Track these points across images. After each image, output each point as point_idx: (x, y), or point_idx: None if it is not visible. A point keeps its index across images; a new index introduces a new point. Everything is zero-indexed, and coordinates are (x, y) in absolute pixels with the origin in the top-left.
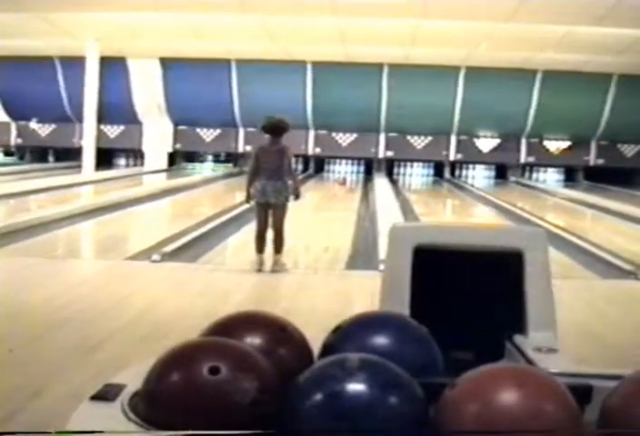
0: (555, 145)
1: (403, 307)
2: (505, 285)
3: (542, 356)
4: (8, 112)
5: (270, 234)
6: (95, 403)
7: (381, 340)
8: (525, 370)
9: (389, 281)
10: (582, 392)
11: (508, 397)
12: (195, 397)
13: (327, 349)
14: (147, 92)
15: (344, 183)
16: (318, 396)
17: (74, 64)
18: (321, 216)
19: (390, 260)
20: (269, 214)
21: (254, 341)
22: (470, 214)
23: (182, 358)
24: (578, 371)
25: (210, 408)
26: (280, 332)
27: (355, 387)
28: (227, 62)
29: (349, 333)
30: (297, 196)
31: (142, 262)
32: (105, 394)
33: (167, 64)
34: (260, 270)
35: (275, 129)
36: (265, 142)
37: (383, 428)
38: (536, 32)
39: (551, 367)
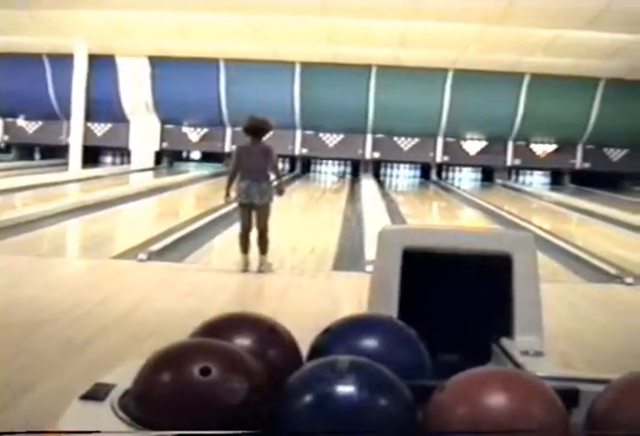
0: (541, 148)
1: (391, 309)
2: (492, 288)
3: (529, 359)
4: None
5: (255, 235)
6: (84, 403)
7: (370, 342)
8: (513, 373)
9: (378, 283)
10: (569, 396)
11: (496, 400)
12: (185, 397)
13: (316, 350)
14: (135, 90)
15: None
16: (308, 398)
17: (62, 61)
18: (307, 217)
19: (379, 262)
20: (253, 215)
21: (243, 342)
22: (456, 216)
23: (172, 358)
24: (565, 374)
25: (201, 408)
26: (269, 334)
27: (345, 389)
28: (216, 61)
29: (338, 335)
30: (281, 192)
31: (128, 261)
32: (95, 394)
33: (156, 62)
34: (246, 270)
35: (257, 130)
36: (248, 141)
37: (372, 430)
38: (525, 35)
39: (538, 370)
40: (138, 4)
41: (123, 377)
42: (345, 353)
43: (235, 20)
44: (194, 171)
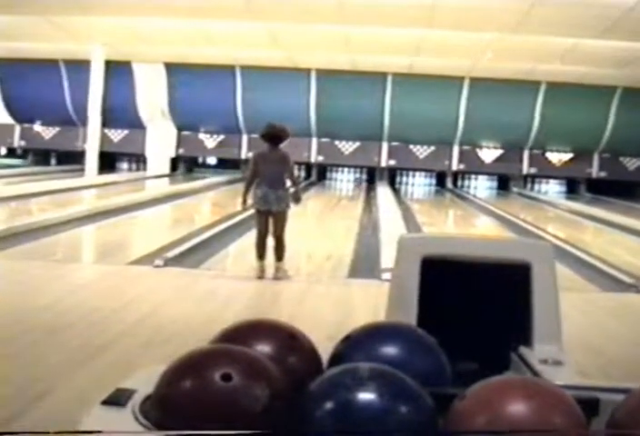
0: (557, 157)
1: (410, 317)
2: (511, 297)
3: (548, 368)
4: (12, 114)
5: (271, 242)
6: (106, 408)
7: (390, 349)
8: (534, 381)
9: (397, 291)
10: (589, 405)
11: (517, 408)
12: (206, 403)
13: (337, 358)
14: (152, 96)
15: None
16: (329, 405)
17: (79, 67)
18: (323, 224)
19: (398, 270)
20: (269, 222)
21: (263, 348)
22: (472, 225)
23: (194, 364)
24: (585, 383)
25: (222, 414)
26: (289, 340)
27: (366, 396)
28: (232, 68)
29: (359, 342)
30: (298, 200)
31: (145, 267)
32: (117, 399)
33: (172, 69)
34: (261, 277)
35: (274, 137)
36: (265, 148)
37: None
38: (542, 44)
39: (557, 379)
40: (155, 11)
41: (143, 382)
42: (365, 361)
43: (251, 27)
44: (210, 177)
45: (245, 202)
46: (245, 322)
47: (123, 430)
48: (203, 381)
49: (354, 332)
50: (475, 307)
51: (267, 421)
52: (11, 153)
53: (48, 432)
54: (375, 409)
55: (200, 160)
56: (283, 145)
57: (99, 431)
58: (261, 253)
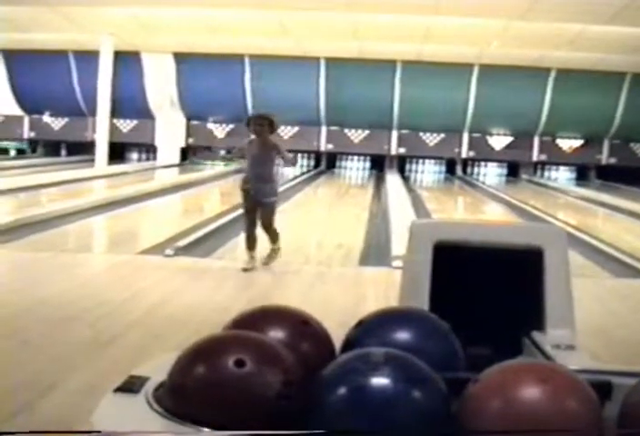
0: (567, 144)
1: (422, 303)
2: (523, 282)
3: (561, 353)
4: (22, 105)
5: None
6: (119, 395)
7: (403, 334)
8: (548, 366)
9: (409, 277)
10: (602, 389)
11: (531, 392)
12: (220, 389)
13: (350, 343)
14: (161, 86)
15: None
16: (343, 390)
17: (87, 58)
18: (333, 213)
19: (410, 256)
20: (257, 213)
21: (277, 334)
22: (482, 212)
23: (207, 351)
24: (598, 367)
25: (236, 400)
26: (302, 326)
27: (380, 381)
28: (241, 57)
29: (372, 328)
30: (293, 163)
31: (155, 257)
32: (130, 386)
33: (181, 59)
34: (248, 269)
35: (260, 127)
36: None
37: (407, 422)
38: (550, 30)
39: (570, 364)
40: (164, 1)
41: (156, 370)
42: (378, 346)
43: (260, 16)
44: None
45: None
46: (257, 308)
47: (136, 417)
48: (216, 367)
49: (366, 318)
50: (487, 292)
51: (281, 406)
52: (20, 153)
53: (48, 432)
54: (389, 393)
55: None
56: (290, 134)
57: (98, 432)
58: (250, 243)
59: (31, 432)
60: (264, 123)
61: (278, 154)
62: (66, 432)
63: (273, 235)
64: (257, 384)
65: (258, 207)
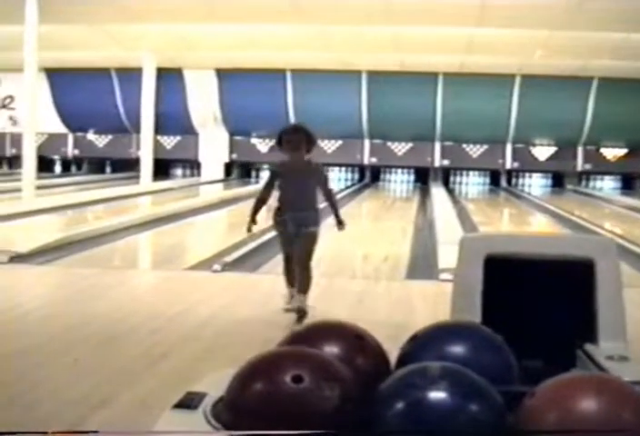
0: (612, 153)
1: (474, 316)
2: (575, 294)
3: (614, 364)
4: (66, 123)
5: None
6: (177, 411)
7: (458, 348)
8: (602, 378)
9: (461, 290)
10: None
11: (587, 405)
12: (278, 405)
13: (405, 357)
14: (203, 102)
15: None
16: (400, 405)
17: (130, 75)
18: (378, 226)
19: (461, 269)
20: (295, 244)
21: (332, 349)
22: (527, 223)
23: (264, 367)
24: None
25: (293, 416)
26: (357, 341)
27: (438, 395)
28: (282, 72)
29: (426, 342)
30: (342, 225)
31: (203, 273)
32: (188, 402)
33: (223, 74)
34: (290, 309)
35: (298, 143)
36: (286, 158)
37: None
38: (592, 39)
39: (624, 376)
40: (205, 17)
41: (213, 386)
42: (433, 360)
43: (301, 30)
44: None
45: (252, 222)
46: (313, 323)
47: (195, 432)
48: (274, 383)
49: (421, 332)
50: (538, 304)
51: (338, 422)
52: (66, 169)
53: (48, 432)
54: (447, 408)
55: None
56: (329, 151)
57: (96, 431)
58: (289, 279)
59: (31, 433)
60: (301, 140)
61: (320, 185)
62: (67, 432)
63: (307, 277)
64: (315, 400)
65: (297, 239)
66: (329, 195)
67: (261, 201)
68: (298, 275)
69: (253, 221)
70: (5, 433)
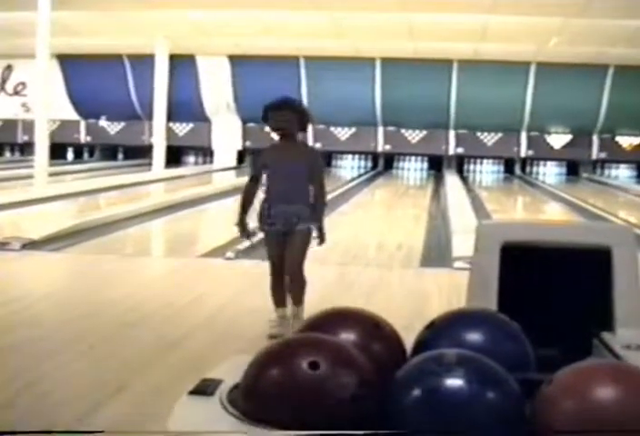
0: (627, 141)
1: (490, 304)
2: (592, 282)
3: (631, 353)
4: (78, 110)
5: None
6: (194, 398)
7: (475, 336)
8: (620, 366)
9: (477, 278)
10: None
11: (604, 393)
12: (295, 392)
13: (421, 344)
14: (216, 89)
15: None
16: (417, 391)
17: (143, 62)
18: (392, 214)
19: (478, 257)
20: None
21: (348, 336)
22: (542, 211)
23: (281, 353)
24: None
25: (311, 403)
26: (374, 328)
27: (454, 382)
28: (296, 59)
29: (443, 329)
30: (322, 239)
31: (216, 260)
32: (204, 389)
33: (236, 61)
34: (275, 336)
35: (288, 123)
36: (276, 141)
37: (481, 423)
38: (608, 27)
39: None
40: (218, 4)
41: (229, 372)
42: (450, 347)
43: (314, 17)
44: None
45: (243, 228)
46: (329, 310)
47: (211, 419)
48: (290, 369)
49: (438, 319)
50: (555, 292)
51: (355, 408)
52: (78, 156)
53: (50, 432)
54: (464, 395)
55: None
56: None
57: (101, 431)
58: (278, 298)
59: (32, 432)
60: (290, 117)
61: (313, 174)
62: (70, 432)
63: (301, 287)
64: (331, 386)
65: (288, 238)
66: (319, 191)
67: (247, 200)
68: (289, 285)
69: (242, 226)
70: (4, 433)
